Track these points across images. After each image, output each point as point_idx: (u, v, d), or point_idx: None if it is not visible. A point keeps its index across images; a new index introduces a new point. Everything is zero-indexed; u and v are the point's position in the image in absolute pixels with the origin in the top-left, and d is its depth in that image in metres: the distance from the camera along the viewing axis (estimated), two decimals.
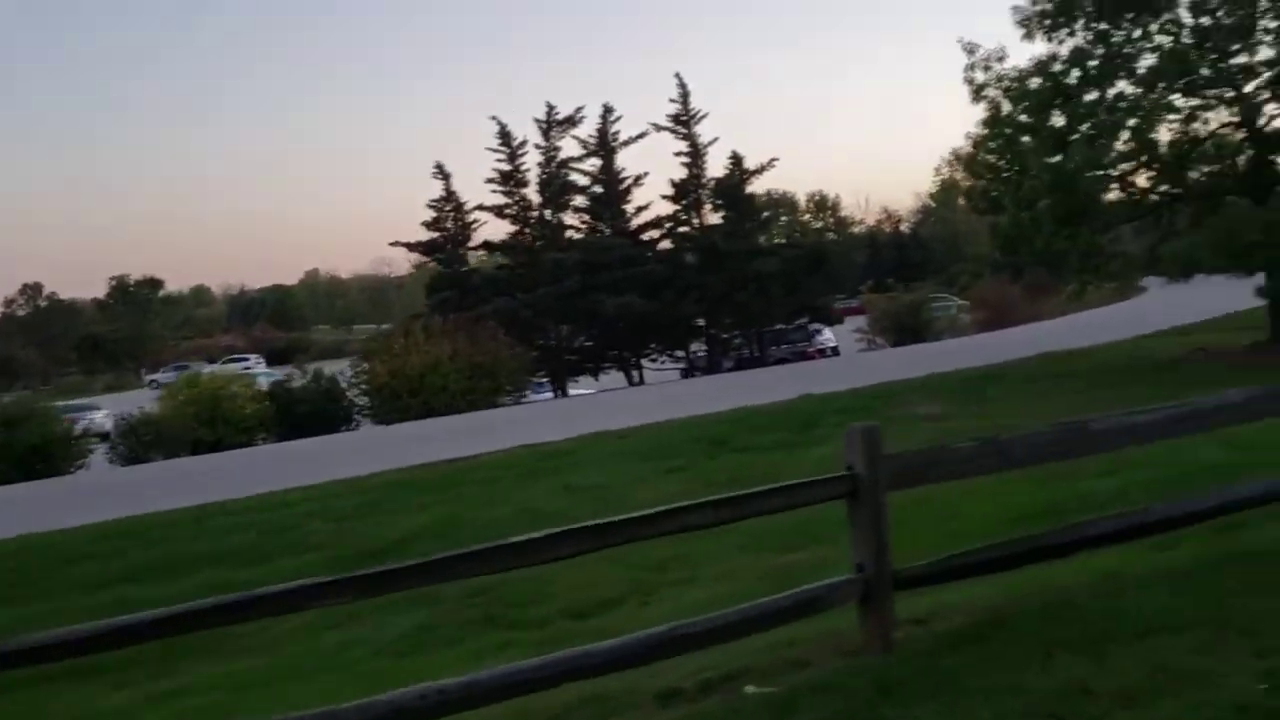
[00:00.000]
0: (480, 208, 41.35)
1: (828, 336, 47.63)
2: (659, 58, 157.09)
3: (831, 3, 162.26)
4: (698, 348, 43.22)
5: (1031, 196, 23.91)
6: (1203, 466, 10.20)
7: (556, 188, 40.14)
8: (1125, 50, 24.47)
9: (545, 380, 38.92)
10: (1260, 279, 23.28)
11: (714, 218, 44.12)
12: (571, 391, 38.30)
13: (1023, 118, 25.26)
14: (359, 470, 19.16)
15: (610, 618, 8.49)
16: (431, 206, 41.55)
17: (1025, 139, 24.95)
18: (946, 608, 5.58)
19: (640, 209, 43.14)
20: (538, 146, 40.51)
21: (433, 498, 15.66)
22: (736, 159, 43.40)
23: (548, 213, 40.90)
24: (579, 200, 41.97)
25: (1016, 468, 5.36)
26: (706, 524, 4.79)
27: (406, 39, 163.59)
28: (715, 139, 43.73)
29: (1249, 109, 23.46)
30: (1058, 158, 23.23)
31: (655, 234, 43.18)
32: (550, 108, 40.62)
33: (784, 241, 47.04)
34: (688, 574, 9.88)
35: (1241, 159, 25.01)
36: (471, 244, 42.63)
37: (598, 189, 41.98)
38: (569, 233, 42.54)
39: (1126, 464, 10.72)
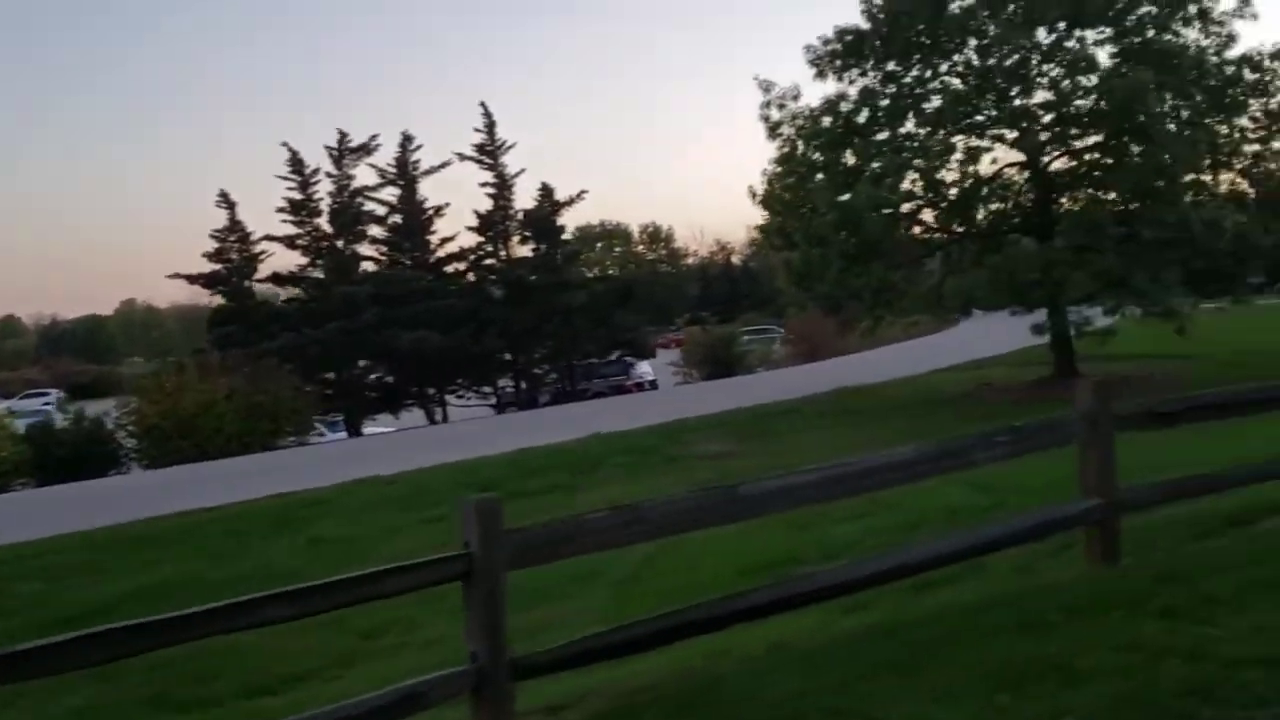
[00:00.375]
0: (269, 238, 39.87)
1: (646, 370, 47.53)
2: (482, 88, 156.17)
3: (670, 36, 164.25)
4: (507, 383, 42.50)
5: (821, 233, 24.25)
6: (951, 509, 10.18)
7: (348, 218, 38.91)
8: (915, 91, 25.22)
9: (339, 420, 37.59)
10: (1037, 316, 24.07)
11: (524, 250, 43.72)
12: (368, 431, 37.07)
13: (815, 155, 25.70)
14: (101, 520, 17.78)
15: (295, 694, 7.81)
16: (214, 236, 39.77)
17: (819, 176, 25.33)
18: (593, 690, 5.13)
19: (445, 240, 42.38)
20: (329, 175, 39.37)
21: (166, 553, 14.54)
22: (547, 190, 43.14)
23: (340, 243, 39.54)
24: (377, 231, 40.88)
25: (658, 537, 4.96)
26: (287, 617, 4.22)
27: (227, 69, 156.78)
28: (522, 170, 43.43)
29: (1030, 149, 24.37)
30: (846, 196, 23.60)
31: (460, 266, 42.39)
32: (343, 135, 39.55)
33: (593, 275, 46.75)
34: (401, 640, 9.27)
35: (1025, 198, 26.05)
36: (259, 276, 40.96)
37: (397, 219, 40.89)
38: (368, 265, 41.37)
39: (882, 505, 10.65)
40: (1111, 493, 6.07)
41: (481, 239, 42.00)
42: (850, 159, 25.15)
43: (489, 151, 41.96)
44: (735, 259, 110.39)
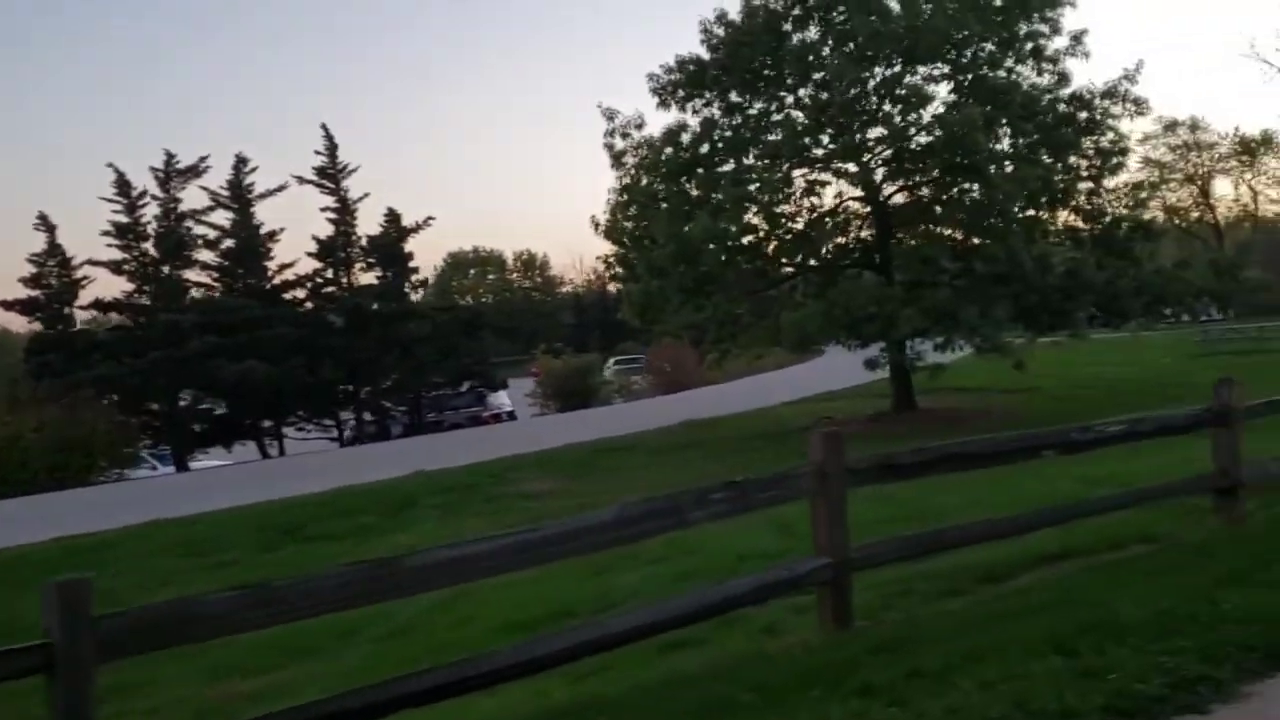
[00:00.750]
0: (91, 262, 37.90)
1: (504, 401, 46.85)
2: (335, 112, 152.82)
3: (544, 64, 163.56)
4: (350, 416, 41.25)
5: (660, 265, 24.06)
6: (741, 555, 9.86)
7: (173, 242, 37.30)
8: (760, 123, 25.27)
9: (166, 453, 35.95)
10: (870, 352, 24.22)
11: (369, 277, 42.68)
12: (195, 466, 35.50)
13: (656, 186, 25.54)
14: None
15: None
16: (32, 261, 37.68)
17: (664, 206, 25.16)
18: None
19: (285, 266, 40.99)
20: (155, 198, 37.67)
21: None
22: (393, 216, 42.18)
23: (167, 269, 37.84)
24: (210, 256, 39.32)
25: (300, 619, 4.43)
26: None
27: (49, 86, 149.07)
28: (366, 194, 42.34)
29: (868, 184, 24.60)
30: (686, 228, 23.42)
31: (300, 293, 41.06)
32: (170, 156, 37.95)
33: (440, 305, 45.73)
34: (132, 705, 8.55)
35: (866, 233, 26.32)
36: (81, 303, 38.84)
37: (230, 244, 39.31)
38: (201, 291, 39.58)
39: (681, 548, 10.28)
40: (842, 551, 5.74)
41: (321, 265, 40.76)
42: (692, 190, 25.06)
43: (330, 175, 40.82)
44: (612, 287, 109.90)
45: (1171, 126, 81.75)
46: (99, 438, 28.91)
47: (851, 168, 23.43)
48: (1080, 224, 25.80)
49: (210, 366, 33.79)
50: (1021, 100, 22.69)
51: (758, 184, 23.20)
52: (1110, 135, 23.88)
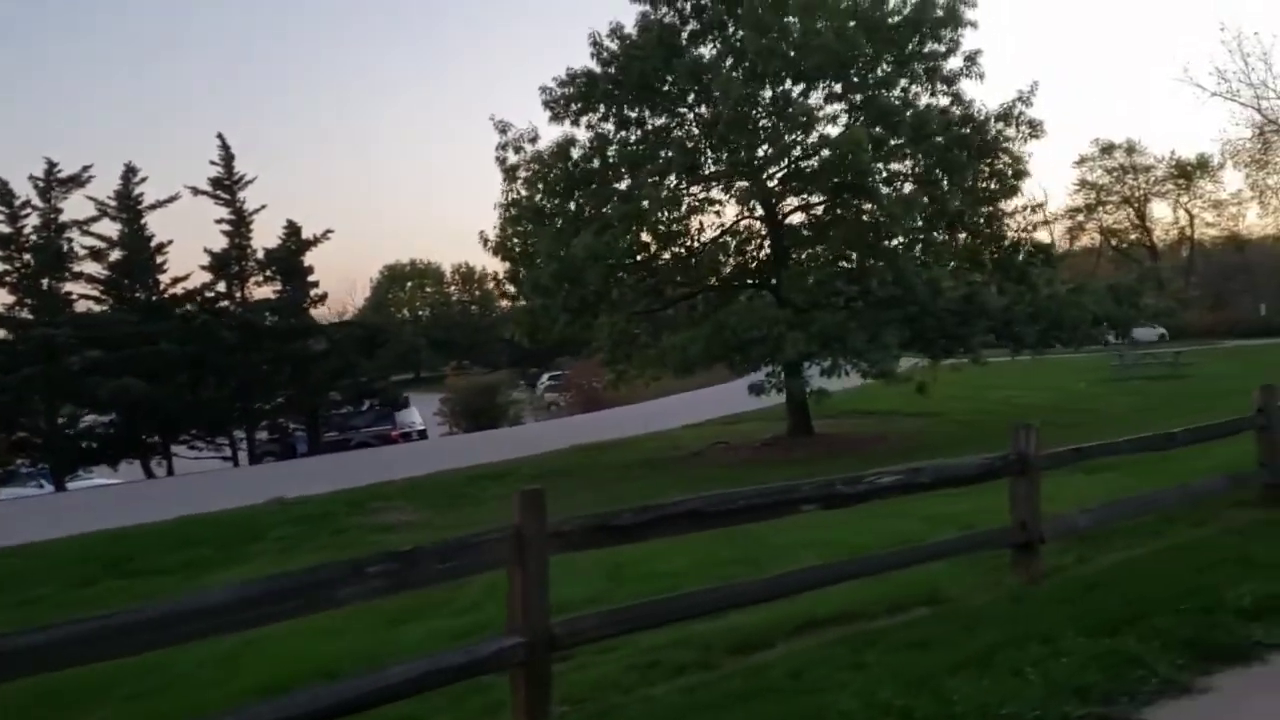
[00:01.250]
0: None
1: (414, 419, 45.87)
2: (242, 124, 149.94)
3: (481, 69, 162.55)
4: (242, 434, 39.95)
5: (544, 284, 23.37)
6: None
7: (51, 253, 35.89)
8: (656, 139, 24.67)
9: (44, 471, 34.54)
10: (757, 376, 23.64)
11: (266, 291, 41.45)
12: (77, 485, 34.09)
13: (542, 201, 24.85)
14: None
15: None
16: None
17: (556, 223, 24.48)
18: None
19: (178, 280, 39.61)
20: (35, 208, 36.12)
21: None
22: (293, 228, 41.00)
23: (45, 282, 36.34)
24: (97, 269, 37.83)
25: None
26: None
27: None
28: (262, 206, 40.97)
29: (763, 202, 24.08)
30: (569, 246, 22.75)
31: (192, 308, 39.64)
32: (51, 164, 36.41)
33: (339, 320, 44.55)
34: None
35: (760, 254, 25.79)
36: None
37: (117, 256, 37.88)
38: (84, 305, 38.19)
39: (493, 594, 9.54)
40: (539, 629, 5.08)
41: (213, 278, 39.43)
42: (582, 207, 24.39)
43: (226, 186, 39.62)
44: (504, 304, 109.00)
45: (1108, 149, 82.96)
46: None
47: (742, 184, 22.82)
48: (979, 247, 25.48)
49: (88, 383, 32.48)
50: (912, 121, 22.26)
51: (646, 200, 22.54)
52: (1005, 158, 23.50)
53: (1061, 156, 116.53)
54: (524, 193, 25.06)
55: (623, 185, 24.27)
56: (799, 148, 22.04)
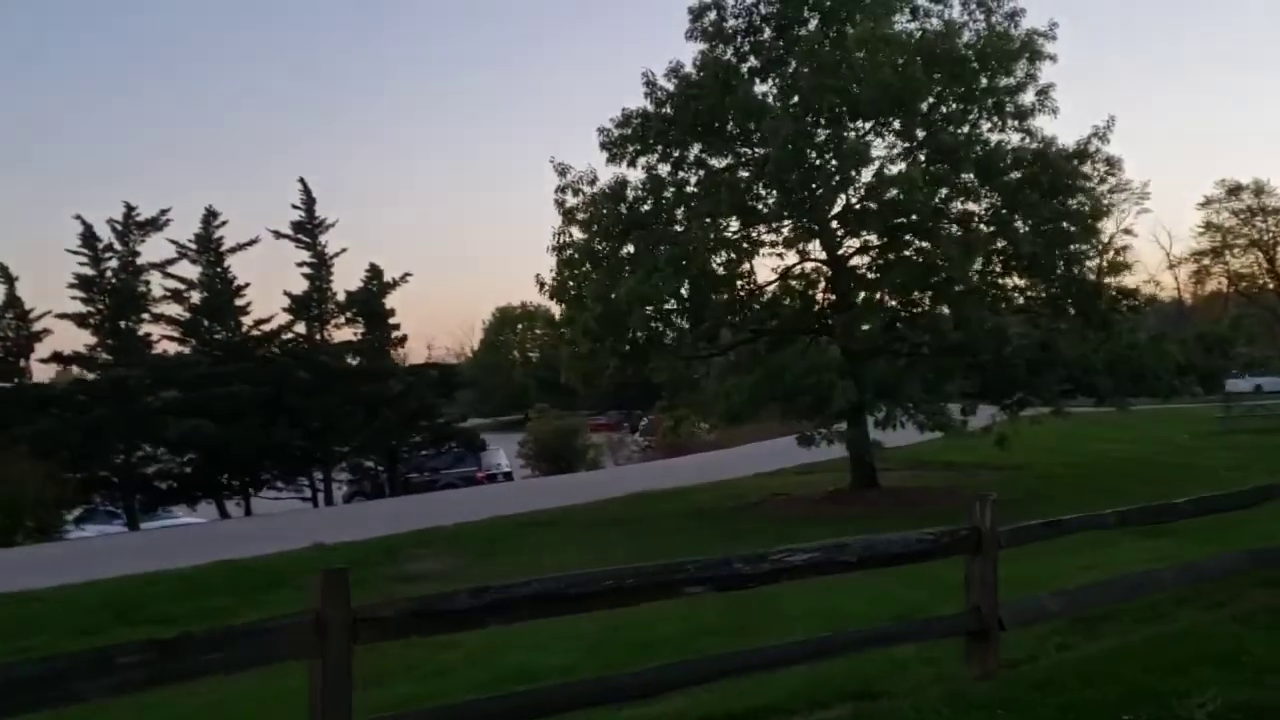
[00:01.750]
0: (55, 315, 37.16)
1: (500, 460, 46.03)
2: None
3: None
4: (321, 474, 40.20)
5: (590, 329, 22.89)
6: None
7: (126, 295, 36.65)
8: (705, 181, 24.10)
9: (118, 512, 35.08)
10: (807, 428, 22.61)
11: (346, 333, 41.86)
12: (150, 525, 34.55)
13: (596, 244, 24.40)
14: None
15: None
16: None
17: (602, 265, 24.01)
18: None
19: (261, 322, 40.15)
20: (114, 251, 36.94)
21: None
22: (376, 271, 41.42)
23: (124, 323, 37.15)
24: (178, 311, 38.51)
25: None
26: None
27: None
28: (343, 249, 41.53)
29: (828, 244, 23.31)
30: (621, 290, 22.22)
31: (274, 349, 40.15)
32: (130, 208, 37.32)
33: (420, 363, 44.62)
34: None
35: (824, 296, 24.92)
36: (42, 355, 38.14)
37: (196, 299, 38.55)
38: (166, 345, 38.97)
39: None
40: None
41: (290, 319, 39.85)
42: (636, 250, 23.85)
43: (307, 229, 40.19)
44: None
45: (1235, 190, 79.79)
46: (26, 497, 28.02)
47: (792, 224, 22.06)
48: (1057, 293, 24.27)
49: (158, 423, 32.95)
50: (979, 159, 21.28)
51: (693, 243, 21.93)
52: (1079, 198, 22.31)
53: (1188, 198, 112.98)
54: (579, 235, 24.61)
55: (677, 228, 23.69)
56: (852, 187, 21.05)
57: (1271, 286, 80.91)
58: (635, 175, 24.33)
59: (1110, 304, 23.94)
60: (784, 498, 25.59)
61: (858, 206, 21.24)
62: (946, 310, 21.78)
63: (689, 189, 23.89)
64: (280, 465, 37.33)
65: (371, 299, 40.42)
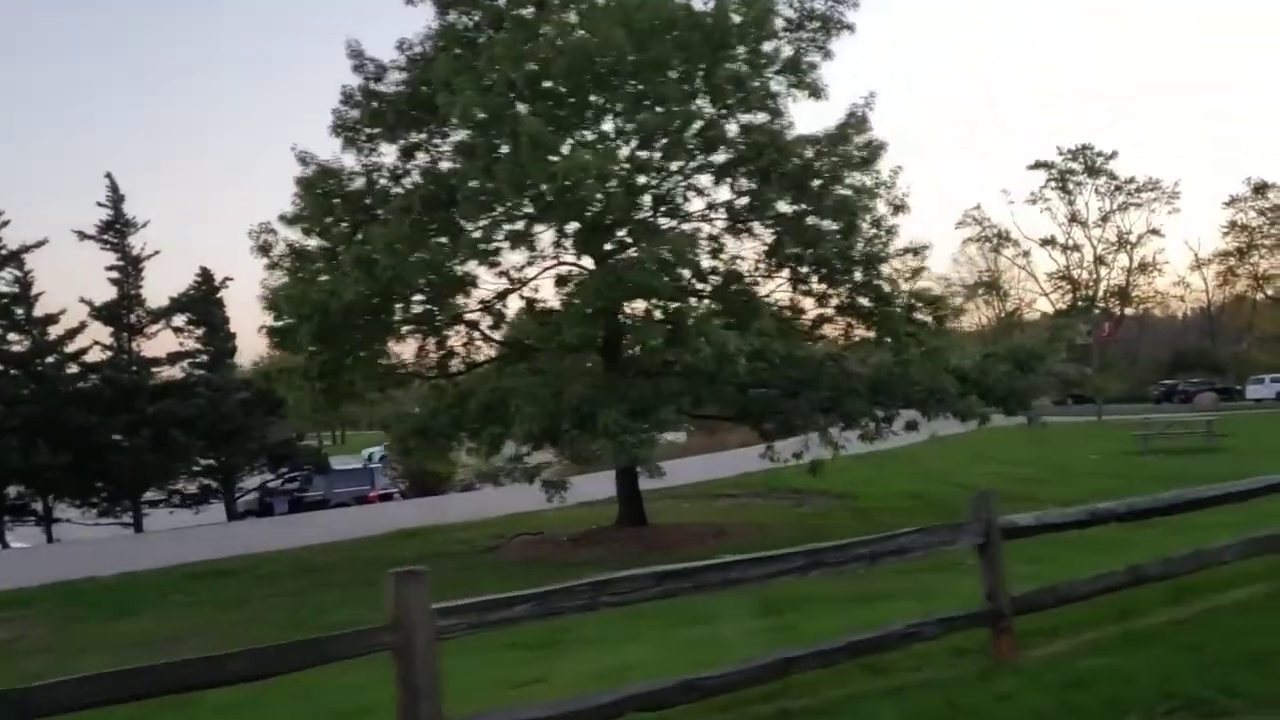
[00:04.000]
0: None
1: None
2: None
3: None
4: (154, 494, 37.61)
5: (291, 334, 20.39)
6: None
7: None
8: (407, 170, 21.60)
9: None
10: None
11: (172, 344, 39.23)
12: None
13: (311, 241, 21.81)
14: None
15: None
16: None
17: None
18: None
19: (73, 333, 36.95)
20: None
21: None
22: (206, 275, 38.49)
23: None
24: None
25: None
26: None
27: None
28: (156, 251, 38.55)
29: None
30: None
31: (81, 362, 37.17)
32: None
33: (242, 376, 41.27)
34: None
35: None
36: None
37: None
38: None
39: None
40: None
41: (102, 329, 36.83)
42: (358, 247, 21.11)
43: (115, 229, 37.26)
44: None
45: (1261, 189, 77.18)
46: None
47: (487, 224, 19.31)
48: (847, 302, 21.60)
49: None
50: (697, 144, 18.55)
51: (391, 239, 19.26)
52: (839, 189, 19.50)
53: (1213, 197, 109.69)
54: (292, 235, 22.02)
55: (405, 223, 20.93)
56: (540, 177, 18.04)
57: None
58: (350, 161, 21.81)
59: (906, 313, 21.24)
60: (537, 536, 22.95)
61: (550, 200, 18.24)
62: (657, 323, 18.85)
63: (389, 180, 21.39)
64: (51, 489, 34.47)
65: (194, 305, 37.72)
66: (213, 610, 17.00)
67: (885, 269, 21.06)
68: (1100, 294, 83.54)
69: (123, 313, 36.39)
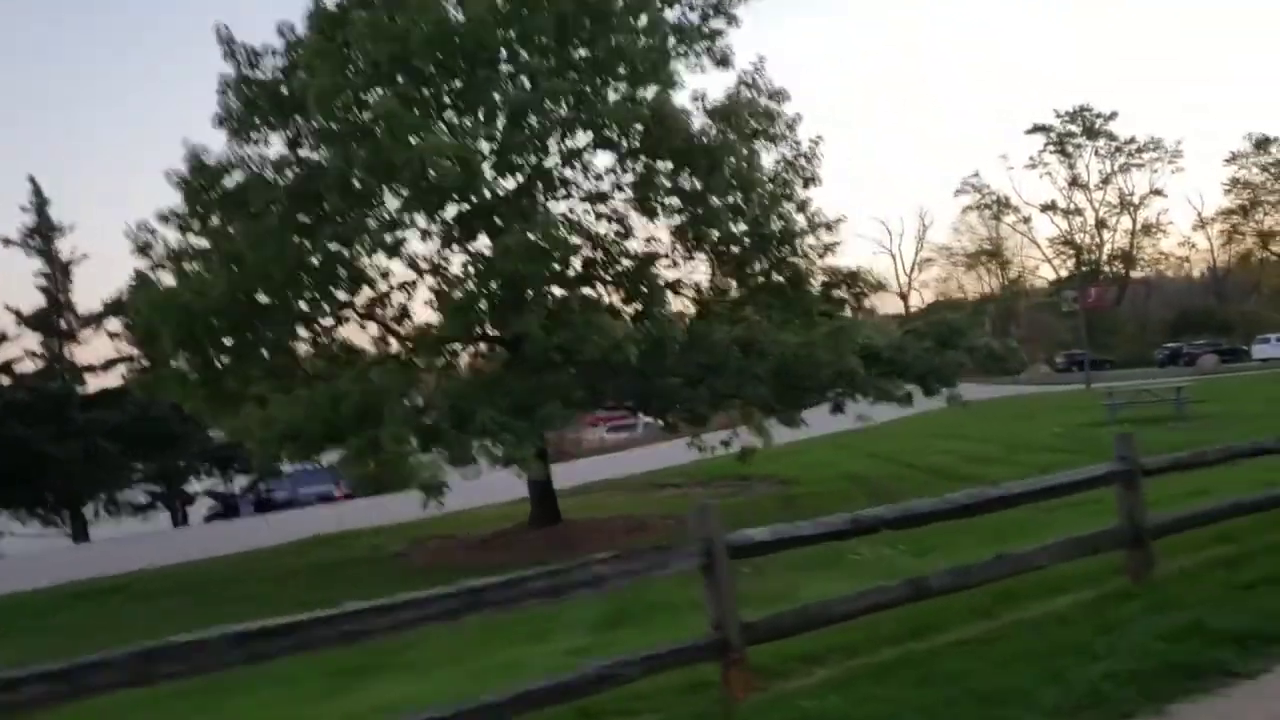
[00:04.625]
0: None
1: None
2: None
3: None
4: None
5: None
6: None
7: None
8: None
9: None
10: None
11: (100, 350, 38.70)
12: None
13: (192, 240, 21.00)
14: None
15: None
16: None
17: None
18: None
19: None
20: None
21: None
22: (143, 278, 37.48)
23: None
24: None
25: None
26: None
27: None
28: (85, 255, 37.83)
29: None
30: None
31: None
32: None
33: None
34: None
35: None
36: None
37: None
38: None
39: None
40: None
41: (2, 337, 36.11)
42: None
43: (41, 234, 36.53)
44: None
45: (1263, 144, 75.91)
46: None
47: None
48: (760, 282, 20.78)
49: None
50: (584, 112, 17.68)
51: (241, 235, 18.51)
52: (730, 160, 18.55)
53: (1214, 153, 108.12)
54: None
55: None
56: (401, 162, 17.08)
57: None
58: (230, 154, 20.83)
59: (823, 292, 20.42)
60: (448, 540, 22.15)
61: (424, 186, 17.34)
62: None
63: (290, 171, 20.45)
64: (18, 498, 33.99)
65: (128, 308, 36.74)
66: (60, 638, 16.10)
67: (799, 245, 20.27)
68: (1103, 257, 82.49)
69: (53, 319, 35.84)
